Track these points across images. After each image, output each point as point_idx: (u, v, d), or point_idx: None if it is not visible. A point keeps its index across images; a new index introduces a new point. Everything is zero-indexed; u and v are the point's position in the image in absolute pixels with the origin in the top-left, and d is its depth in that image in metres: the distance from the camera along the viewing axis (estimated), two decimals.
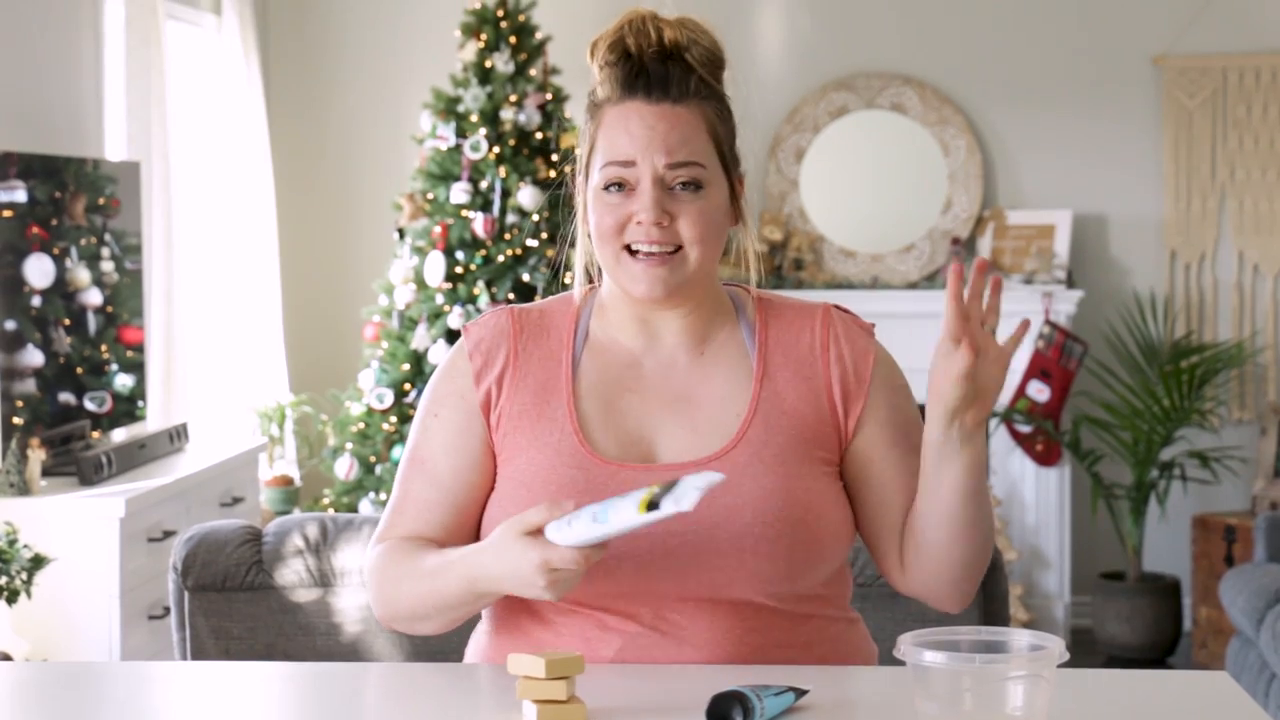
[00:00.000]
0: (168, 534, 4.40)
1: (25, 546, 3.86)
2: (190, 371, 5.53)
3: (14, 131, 4.57)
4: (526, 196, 5.52)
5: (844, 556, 2.05)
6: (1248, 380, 6.20)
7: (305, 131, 6.46)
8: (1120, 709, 1.84)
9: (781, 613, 1.99)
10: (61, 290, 4.54)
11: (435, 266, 5.54)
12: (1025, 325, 1.89)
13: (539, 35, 5.74)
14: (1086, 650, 5.84)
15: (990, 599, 2.32)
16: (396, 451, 5.55)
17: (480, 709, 1.88)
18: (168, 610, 4.29)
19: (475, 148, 5.55)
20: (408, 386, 5.58)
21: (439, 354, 5.49)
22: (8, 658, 3.85)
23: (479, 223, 5.53)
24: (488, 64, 5.64)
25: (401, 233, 5.73)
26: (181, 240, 5.46)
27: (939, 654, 1.67)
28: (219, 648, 2.38)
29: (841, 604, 2.08)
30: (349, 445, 5.64)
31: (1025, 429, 5.98)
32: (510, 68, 5.64)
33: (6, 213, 4.30)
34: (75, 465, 4.38)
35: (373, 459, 5.60)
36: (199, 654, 2.38)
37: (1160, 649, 5.80)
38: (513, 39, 5.66)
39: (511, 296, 5.51)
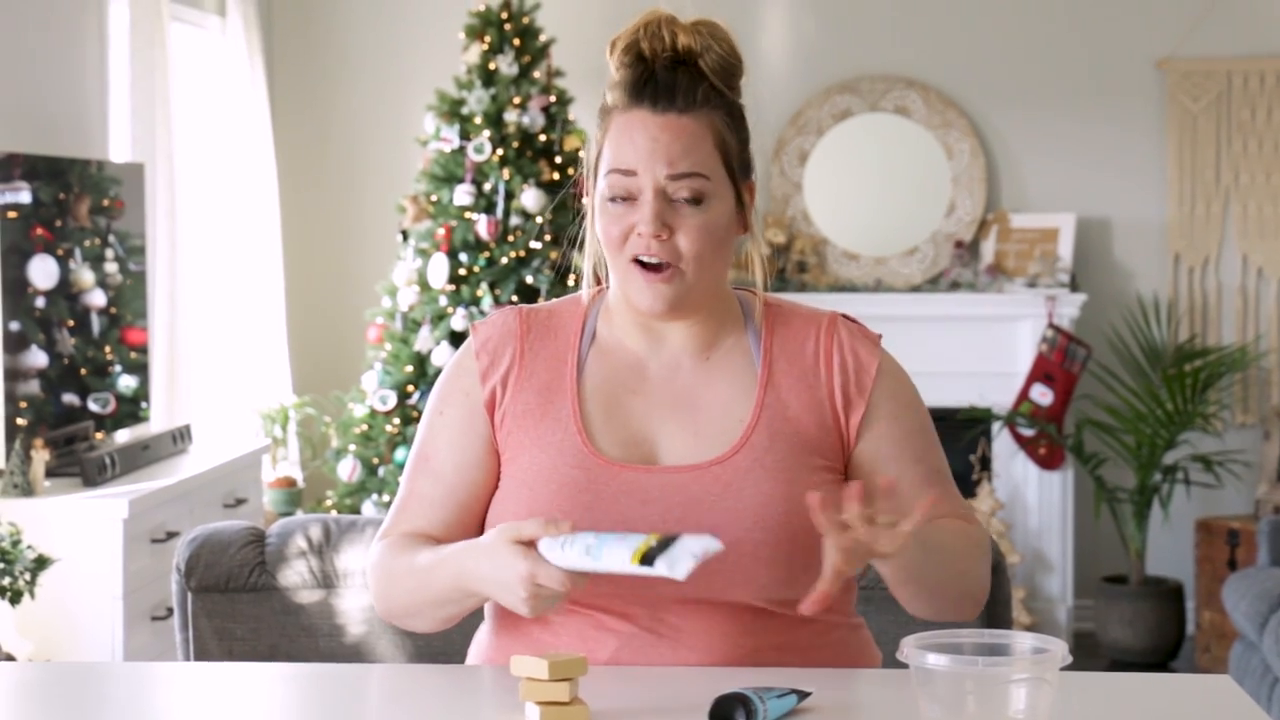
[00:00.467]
0: (171, 535, 4.40)
1: (29, 547, 3.87)
2: (194, 373, 5.53)
3: (18, 133, 4.57)
4: (530, 199, 5.52)
5: None
6: (1251, 384, 6.20)
7: (309, 133, 6.47)
8: (1122, 712, 1.84)
9: (779, 616, 1.99)
10: (65, 291, 4.54)
11: (439, 268, 5.54)
12: (927, 506, 1.83)
13: (543, 38, 5.74)
14: (1089, 654, 5.83)
15: (993, 602, 2.32)
16: (400, 453, 5.55)
17: (483, 710, 1.88)
18: (171, 611, 4.29)
19: (479, 150, 5.55)
20: (411, 388, 5.58)
21: (442, 356, 5.50)
22: (11, 658, 3.85)
23: (482, 225, 5.53)
24: (492, 66, 5.64)
25: (405, 235, 5.73)
26: (185, 242, 5.46)
27: (942, 657, 1.67)
28: (222, 649, 2.38)
29: (844, 609, 2.07)
30: (352, 447, 5.64)
31: (1028, 432, 5.98)
32: (514, 70, 5.64)
33: (11, 214, 4.30)
34: (79, 466, 4.39)
35: (376, 461, 5.60)
36: (202, 655, 2.39)
37: (1163, 653, 5.80)
38: (516, 41, 5.67)
39: (515, 299, 5.51)
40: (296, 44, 6.47)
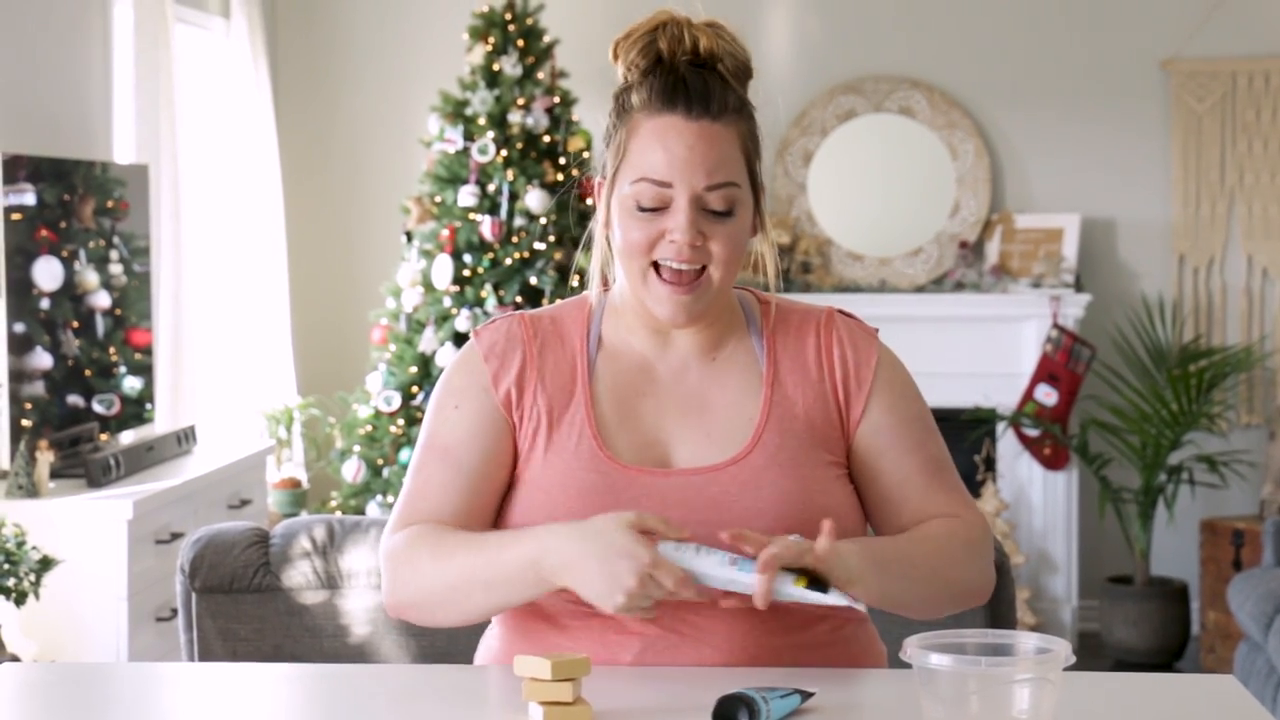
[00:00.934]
0: (175, 536, 4.40)
1: (34, 548, 3.87)
2: (198, 374, 5.54)
3: (23, 134, 4.58)
4: (534, 200, 5.52)
5: None
6: (1256, 384, 6.20)
7: (313, 134, 6.47)
8: (1125, 712, 1.84)
9: (796, 613, 1.99)
10: (70, 293, 4.55)
11: (443, 269, 5.54)
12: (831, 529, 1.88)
13: (547, 38, 5.74)
14: (1094, 654, 5.83)
15: (997, 602, 2.32)
16: (404, 454, 5.55)
17: (487, 710, 1.88)
18: (175, 612, 4.29)
19: (483, 151, 5.55)
20: (415, 389, 5.58)
21: (446, 357, 5.50)
22: (16, 659, 3.86)
23: (486, 226, 5.53)
24: (495, 67, 5.65)
25: (409, 236, 5.73)
26: (190, 243, 5.47)
27: (945, 657, 1.67)
28: (226, 649, 2.38)
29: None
30: (356, 448, 5.65)
31: (1033, 433, 5.98)
32: (518, 71, 5.65)
33: (15, 215, 4.31)
34: (83, 467, 4.39)
35: (380, 461, 5.61)
36: (206, 655, 2.39)
37: (1168, 653, 5.80)
38: (520, 42, 5.67)
39: (519, 300, 5.51)
40: (300, 45, 6.48)
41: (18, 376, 4.33)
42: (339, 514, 5.55)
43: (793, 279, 6.15)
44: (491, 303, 5.50)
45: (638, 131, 1.98)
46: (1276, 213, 6.16)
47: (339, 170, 6.49)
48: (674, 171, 1.95)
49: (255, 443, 5.47)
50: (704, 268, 1.98)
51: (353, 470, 5.61)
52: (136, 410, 4.89)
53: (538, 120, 5.62)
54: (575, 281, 1.87)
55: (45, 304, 4.44)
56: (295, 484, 5.91)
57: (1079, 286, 6.09)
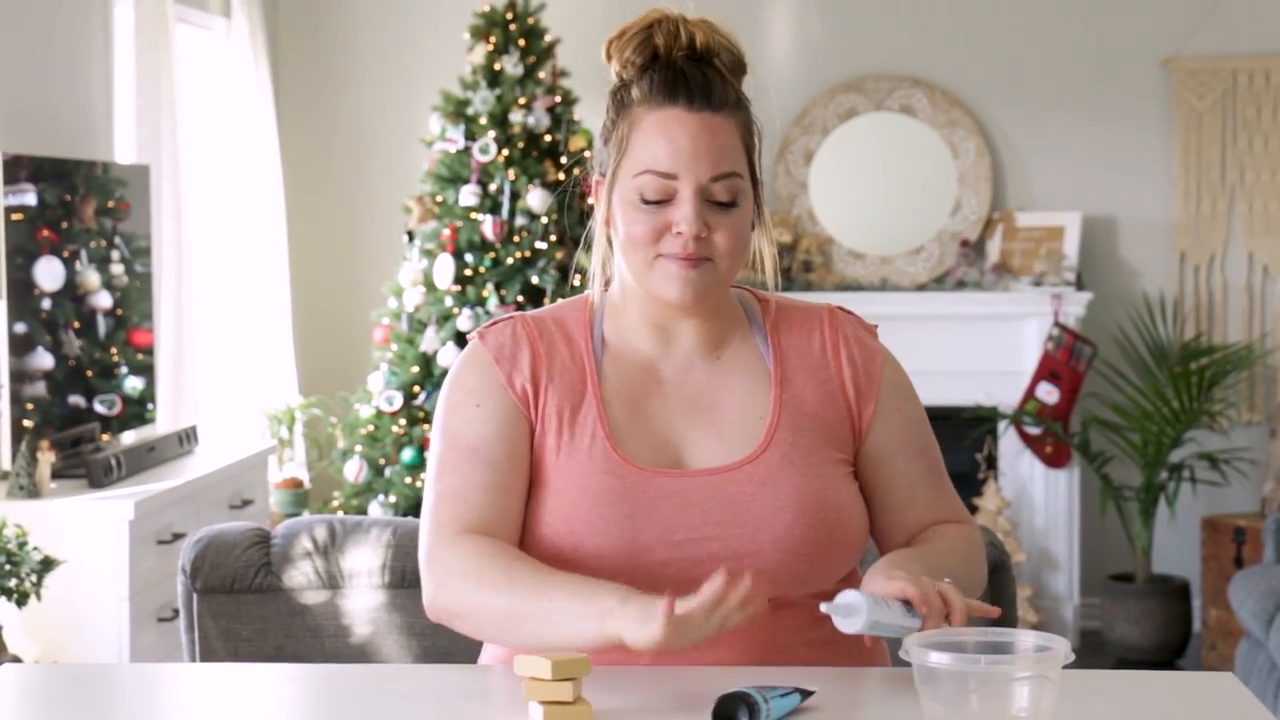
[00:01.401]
0: (177, 536, 4.40)
1: (35, 549, 3.87)
2: (200, 374, 5.54)
3: (24, 135, 4.58)
4: (535, 199, 5.52)
5: (862, 554, 2.07)
6: (1257, 382, 6.20)
7: (315, 134, 6.48)
8: (1126, 710, 1.84)
9: (809, 610, 1.99)
10: (71, 293, 4.55)
11: (444, 269, 5.54)
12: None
13: (548, 38, 5.74)
14: (1095, 652, 5.83)
15: (998, 601, 2.32)
16: (406, 454, 5.55)
17: (487, 710, 1.88)
18: (177, 612, 4.28)
19: (484, 150, 5.56)
20: (417, 389, 5.58)
21: (448, 356, 5.50)
22: (18, 660, 3.86)
23: (488, 225, 5.54)
24: (497, 67, 5.65)
25: (411, 235, 5.74)
26: (191, 243, 5.47)
27: (945, 655, 1.67)
28: (228, 649, 2.38)
29: None
30: (358, 448, 5.65)
31: (1034, 431, 5.98)
32: (519, 70, 5.65)
33: (17, 216, 4.31)
34: (85, 468, 4.39)
35: (382, 461, 5.61)
36: (208, 656, 2.39)
37: (1169, 651, 5.80)
38: (522, 42, 5.67)
39: (521, 299, 5.51)
40: (301, 45, 6.48)
41: (19, 377, 4.33)
42: (341, 514, 5.55)
43: (794, 278, 6.15)
44: (493, 302, 5.50)
45: (639, 125, 1.98)
46: (1277, 210, 6.16)
47: (340, 170, 6.49)
48: (678, 163, 1.95)
49: (257, 443, 5.47)
50: (711, 258, 1.98)
51: (354, 470, 5.61)
52: (138, 410, 4.89)
53: (539, 119, 5.63)
54: (576, 281, 1.86)
55: (46, 304, 4.44)
56: (297, 484, 5.91)
57: (1080, 284, 6.09)
